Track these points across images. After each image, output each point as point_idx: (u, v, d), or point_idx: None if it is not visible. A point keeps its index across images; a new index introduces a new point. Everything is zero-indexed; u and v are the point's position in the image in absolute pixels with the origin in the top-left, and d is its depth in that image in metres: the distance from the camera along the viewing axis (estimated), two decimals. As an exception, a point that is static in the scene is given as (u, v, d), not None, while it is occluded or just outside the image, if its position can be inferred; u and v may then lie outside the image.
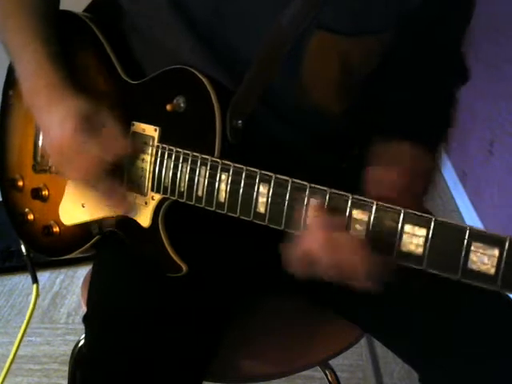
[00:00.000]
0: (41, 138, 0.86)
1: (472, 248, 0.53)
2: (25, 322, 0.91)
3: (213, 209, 0.69)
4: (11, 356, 0.91)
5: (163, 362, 0.73)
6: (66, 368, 1.03)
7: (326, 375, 0.99)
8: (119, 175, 0.76)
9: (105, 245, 0.83)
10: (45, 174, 0.86)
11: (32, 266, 0.94)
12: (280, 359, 0.87)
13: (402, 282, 0.78)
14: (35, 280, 0.93)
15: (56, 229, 0.85)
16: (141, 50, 0.82)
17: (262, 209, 0.65)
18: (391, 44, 0.75)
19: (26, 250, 0.97)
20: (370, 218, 0.58)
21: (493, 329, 0.73)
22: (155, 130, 0.74)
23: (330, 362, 0.95)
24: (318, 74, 0.74)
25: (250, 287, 0.89)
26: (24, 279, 1.98)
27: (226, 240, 0.84)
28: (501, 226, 1.94)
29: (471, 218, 2.21)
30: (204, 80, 0.71)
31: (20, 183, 0.89)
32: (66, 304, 1.88)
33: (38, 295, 0.94)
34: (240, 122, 0.71)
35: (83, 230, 0.83)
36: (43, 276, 1.97)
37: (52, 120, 0.73)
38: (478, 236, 0.53)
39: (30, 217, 0.88)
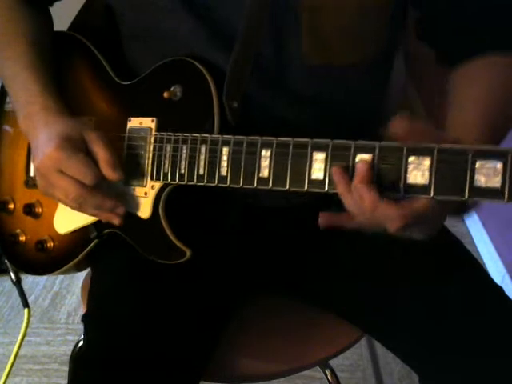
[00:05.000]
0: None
1: (476, 166, 0.54)
2: (17, 344, 0.90)
3: (215, 183, 0.69)
4: (11, 359, 0.91)
5: (161, 361, 0.73)
6: (66, 368, 1.03)
7: (326, 375, 0.99)
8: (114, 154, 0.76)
9: (104, 246, 0.83)
10: (37, 188, 0.85)
11: (22, 291, 0.92)
12: (280, 359, 0.87)
13: (402, 282, 0.79)
14: (26, 304, 0.92)
15: (50, 244, 0.84)
16: (131, 50, 0.83)
17: (265, 173, 0.65)
18: None
19: (15, 275, 0.93)
20: (374, 157, 0.59)
21: (493, 330, 0.73)
22: (152, 120, 0.75)
23: (330, 362, 0.95)
24: (319, 24, 0.73)
25: (249, 286, 0.89)
26: (24, 279, 1.97)
27: (227, 230, 0.84)
28: (501, 226, 1.94)
29: (471, 218, 2.20)
30: (201, 68, 0.72)
31: (11, 206, 0.88)
32: (66, 304, 1.88)
33: (29, 319, 0.91)
34: (236, 104, 0.72)
35: (80, 237, 0.82)
36: (43, 276, 1.97)
37: (39, 142, 0.74)
38: (480, 154, 0.54)
39: (22, 238, 0.87)
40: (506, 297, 0.77)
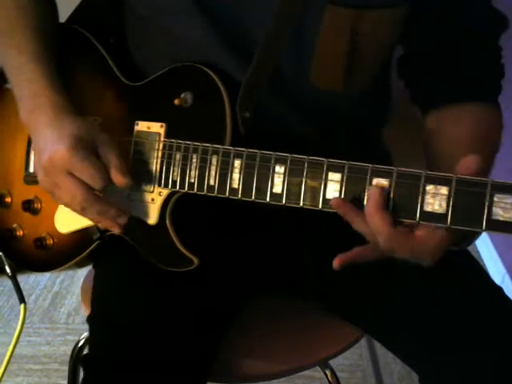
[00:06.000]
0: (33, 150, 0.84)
1: (495, 199, 0.54)
2: (13, 340, 0.88)
3: (226, 196, 0.69)
4: (8, 353, 0.90)
5: (166, 363, 0.73)
6: (66, 368, 1.03)
7: (326, 375, 0.99)
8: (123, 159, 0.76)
9: (107, 246, 0.82)
10: (37, 184, 0.81)
11: (18, 286, 0.91)
12: (280, 359, 0.86)
13: (402, 282, 0.79)
14: (22, 300, 0.90)
15: (49, 241, 0.83)
16: (141, 51, 0.82)
17: (278, 189, 0.65)
18: (408, 16, 0.74)
19: (11, 270, 0.90)
20: (391, 184, 0.59)
21: (493, 330, 0.73)
22: (161, 126, 0.74)
23: (330, 361, 0.95)
24: (332, 53, 0.74)
25: (250, 288, 0.89)
26: (25, 279, 1.98)
27: (233, 236, 0.84)
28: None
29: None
30: (213, 75, 0.71)
31: (8, 199, 0.86)
32: (66, 304, 1.88)
33: (25, 314, 0.90)
34: (248, 114, 0.71)
35: (81, 237, 0.81)
36: (43, 276, 1.97)
37: (47, 138, 0.71)
38: (499, 187, 0.54)
39: (19, 232, 0.86)
40: (506, 297, 0.77)
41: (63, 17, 0.88)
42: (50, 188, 0.72)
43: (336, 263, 0.66)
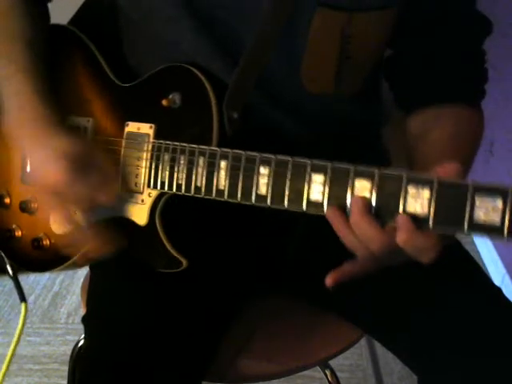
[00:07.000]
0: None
1: (476, 201, 0.54)
2: (14, 340, 0.88)
3: (212, 197, 0.68)
4: (9, 354, 0.90)
5: (162, 363, 0.73)
6: (66, 368, 1.03)
7: (326, 375, 0.99)
8: (114, 176, 0.76)
9: None
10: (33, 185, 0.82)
11: (19, 285, 0.91)
12: (280, 359, 0.87)
13: (402, 282, 0.79)
14: (23, 298, 0.90)
15: (46, 241, 0.83)
16: (135, 53, 0.82)
17: (263, 190, 0.65)
18: (398, 19, 0.75)
19: (12, 269, 0.90)
20: (373, 185, 0.58)
21: (492, 330, 0.73)
22: (150, 127, 0.74)
23: (330, 362, 0.95)
24: (322, 56, 0.74)
25: (250, 288, 0.89)
26: (24, 279, 1.97)
27: (225, 236, 0.84)
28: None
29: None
30: (200, 76, 0.71)
31: (7, 200, 0.87)
32: (66, 304, 1.88)
33: (26, 313, 0.90)
34: (236, 114, 0.71)
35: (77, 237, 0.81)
36: (43, 276, 1.97)
37: (41, 159, 0.71)
38: (480, 189, 0.53)
39: (18, 233, 0.86)
40: (505, 297, 0.77)
41: (64, 19, 0.89)
42: (52, 205, 0.73)
43: (329, 284, 0.65)
